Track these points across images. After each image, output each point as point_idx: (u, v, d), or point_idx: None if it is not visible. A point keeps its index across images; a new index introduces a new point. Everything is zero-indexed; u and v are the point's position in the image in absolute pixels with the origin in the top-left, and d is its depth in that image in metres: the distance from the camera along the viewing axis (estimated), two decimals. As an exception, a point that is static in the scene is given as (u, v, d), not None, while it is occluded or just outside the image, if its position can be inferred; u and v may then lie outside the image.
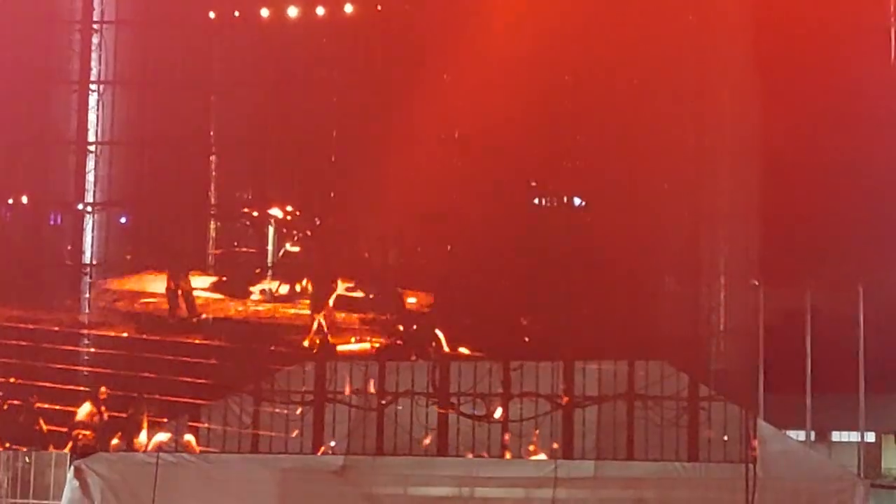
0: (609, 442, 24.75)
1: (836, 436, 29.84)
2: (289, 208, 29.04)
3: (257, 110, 28.01)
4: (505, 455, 25.29)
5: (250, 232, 29.28)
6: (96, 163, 27.96)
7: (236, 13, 28.45)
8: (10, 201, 29.30)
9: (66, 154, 28.34)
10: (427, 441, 25.24)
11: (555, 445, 25.19)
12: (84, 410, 26.41)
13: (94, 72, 28.10)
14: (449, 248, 28.43)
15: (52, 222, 29.65)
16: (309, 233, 28.86)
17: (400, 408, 25.46)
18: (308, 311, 27.80)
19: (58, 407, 26.79)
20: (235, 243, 29.77)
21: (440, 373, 25.70)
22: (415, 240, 28.59)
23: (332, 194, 28.16)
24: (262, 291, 28.83)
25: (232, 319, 28.32)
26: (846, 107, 25.25)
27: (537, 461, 24.82)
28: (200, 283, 28.96)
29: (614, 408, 24.87)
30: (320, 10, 28.18)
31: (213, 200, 28.87)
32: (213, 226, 29.09)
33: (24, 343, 27.74)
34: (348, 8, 28.09)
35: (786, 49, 25.28)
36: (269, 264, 28.92)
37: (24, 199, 29.18)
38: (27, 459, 25.49)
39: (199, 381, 26.54)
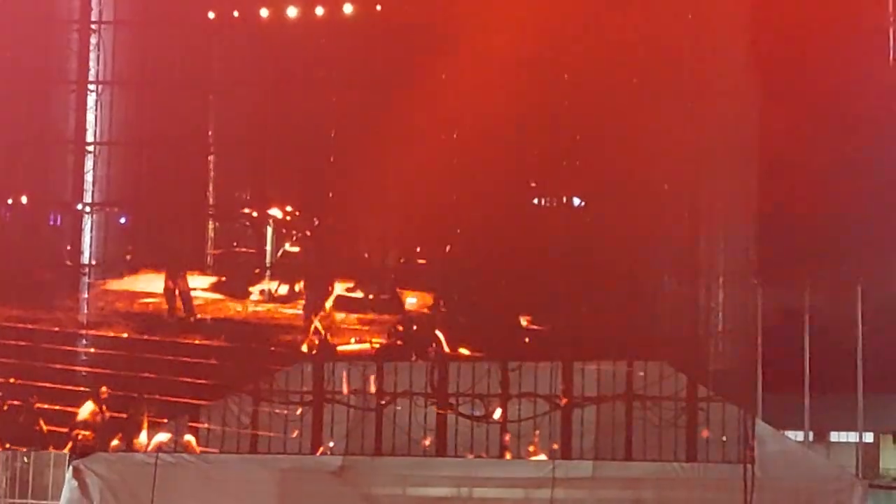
0: (607, 442, 24.73)
1: (835, 436, 29.76)
2: (288, 208, 29.05)
3: (256, 110, 28.00)
4: (503, 455, 25.27)
5: (249, 232, 29.31)
6: (95, 163, 27.99)
7: (235, 13, 28.44)
8: (10, 201, 29.32)
9: (65, 154, 28.37)
10: (425, 441, 25.21)
11: (554, 446, 25.17)
12: (84, 411, 26.38)
13: (92, 72, 28.11)
14: (448, 248, 28.45)
15: (51, 223, 29.66)
16: (308, 233, 28.87)
17: (399, 408, 25.43)
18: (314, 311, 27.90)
19: (57, 407, 26.76)
20: (235, 243, 29.79)
21: (439, 373, 25.66)
22: (414, 240, 28.61)
23: (330, 194, 28.18)
24: (262, 292, 28.83)
25: (231, 320, 28.32)
26: (845, 107, 25.23)
27: (536, 461, 24.81)
28: (200, 283, 28.97)
29: (613, 408, 24.86)
30: (319, 10, 28.16)
31: (211, 200, 28.88)
32: (211, 226, 29.11)
33: (23, 343, 27.74)
34: (347, 8, 28.07)
35: (785, 50, 25.26)
36: (268, 265, 28.93)
37: (24, 200, 29.19)
38: (25, 459, 25.46)
39: (199, 381, 26.52)
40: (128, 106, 28.04)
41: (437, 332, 27.03)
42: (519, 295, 27.34)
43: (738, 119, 25.59)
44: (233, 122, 28.45)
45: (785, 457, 23.97)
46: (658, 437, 24.47)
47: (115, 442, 26.08)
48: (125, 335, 27.97)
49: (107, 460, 25.22)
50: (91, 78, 28.10)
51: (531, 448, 25.25)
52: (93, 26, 28.14)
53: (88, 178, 28.09)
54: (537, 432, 25.22)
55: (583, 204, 28.07)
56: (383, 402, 25.62)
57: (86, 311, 28.22)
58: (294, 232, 29.09)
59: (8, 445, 26.22)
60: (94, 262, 28.50)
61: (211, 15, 28.38)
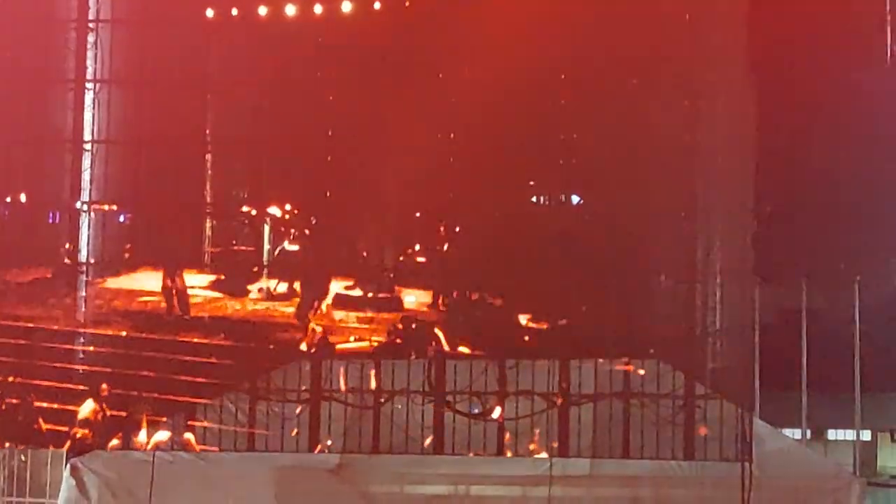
0: (605, 440, 24.71)
1: (832, 434, 29.79)
2: (287, 207, 29.09)
3: (254, 109, 28.01)
4: (501, 453, 25.26)
5: (247, 230, 29.35)
6: (93, 161, 27.99)
7: (234, 11, 28.44)
8: (9, 199, 29.35)
9: (63, 153, 28.37)
10: (423, 439, 25.21)
11: (553, 444, 25.16)
12: (85, 409, 26.38)
13: (90, 70, 28.04)
14: (446, 247, 28.48)
15: (50, 221, 29.69)
16: (307, 231, 28.91)
17: (397, 406, 25.43)
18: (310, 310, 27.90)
19: (56, 406, 26.78)
20: (234, 242, 29.83)
21: (436, 371, 25.66)
22: (412, 238, 28.64)
23: (328, 193, 28.22)
24: (260, 290, 28.86)
25: (230, 318, 28.33)
26: (842, 105, 25.26)
27: (533, 459, 24.78)
28: (198, 281, 29.00)
29: (610, 406, 24.83)
30: (318, 9, 28.16)
31: (209, 199, 28.90)
32: (209, 224, 29.14)
33: (22, 342, 27.76)
34: (346, 6, 28.08)
35: (781, 47, 25.30)
36: (266, 263, 28.96)
37: (23, 198, 29.22)
38: (23, 458, 25.46)
39: (198, 379, 26.53)
40: (126, 104, 27.99)
41: (437, 331, 27.05)
42: (518, 293, 27.36)
43: (735, 117, 25.61)
44: (231, 120, 28.46)
45: (783, 455, 23.92)
46: (656, 435, 24.42)
47: (114, 441, 26.05)
48: (124, 333, 27.97)
49: (104, 458, 25.20)
50: (89, 76, 28.03)
51: (529, 446, 25.24)
52: (90, 25, 28.04)
53: (86, 176, 28.10)
54: (535, 430, 25.20)
55: (581, 202, 28.10)
56: (382, 401, 25.60)
57: (84, 309, 28.21)
58: (292, 230, 29.13)
59: (7, 444, 26.24)
60: (92, 261, 28.49)
61: (209, 13, 28.37)
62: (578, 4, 26.19)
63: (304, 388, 25.63)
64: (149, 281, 28.78)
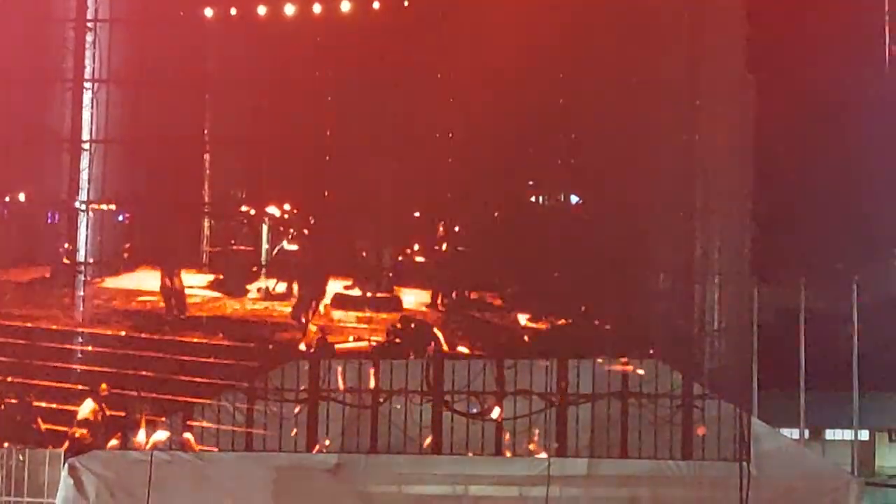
0: (603, 440, 24.68)
1: (830, 434, 29.86)
2: (286, 206, 29.10)
3: (253, 108, 28.00)
4: (499, 453, 25.24)
5: (245, 230, 29.36)
6: (91, 161, 27.99)
7: (233, 11, 28.43)
8: (7, 199, 29.36)
9: (61, 152, 28.37)
10: (421, 439, 25.19)
11: (552, 444, 25.14)
12: (85, 409, 26.37)
13: (88, 69, 28.05)
14: (445, 246, 28.50)
15: (49, 220, 29.69)
16: (306, 231, 28.91)
17: (397, 406, 25.40)
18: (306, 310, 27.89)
19: (55, 405, 26.77)
20: (232, 241, 29.84)
21: (435, 371, 25.64)
22: (411, 238, 28.64)
23: (326, 193, 28.22)
24: (259, 290, 28.87)
25: (229, 318, 28.34)
26: (840, 106, 25.28)
27: (531, 459, 24.75)
28: (198, 281, 29.01)
29: (608, 406, 24.80)
30: (317, 8, 28.16)
31: (208, 199, 28.90)
32: (207, 224, 29.15)
33: (20, 341, 27.75)
34: (345, 6, 28.08)
35: (779, 49, 25.31)
36: (265, 262, 28.97)
37: (22, 197, 29.22)
38: (21, 457, 25.43)
39: (197, 379, 26.52)
40: (124, 104, 27.98)
41: (436, 331, 27.04)
42: (517, 292, 27.38)
43: (734, 118, 25.60)
44: (229, 120, 28.47)
45: (780, 455, 23.88)
46: (654, 435, 24.38)
47: (113, 441, 26.05)
48: (123, 333, 27.97)
49: (102, 458, 25.14)
50: (87, 76, 28.03)
51: (526, 446, 25.21)
52: (89, 24, 28.06)
53: (85, 176, 28.09)
54: (533, 430, 25.17)
55: (580, 202, 28.10)
56: (380, 401, 25.57)
57: (82, 308, 28.21)
58: (291, 230, 29.13)
59: (6, 444, 26.22)
60: (91, 260, 28.49)
61: (208, 13, 28.37)
62: (577, 4, 26.19)
63: (302, 387, 25.59)
64: (148, 280, 28.80)
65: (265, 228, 29.15)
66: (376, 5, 28.16)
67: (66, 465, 24.91)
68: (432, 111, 26.72)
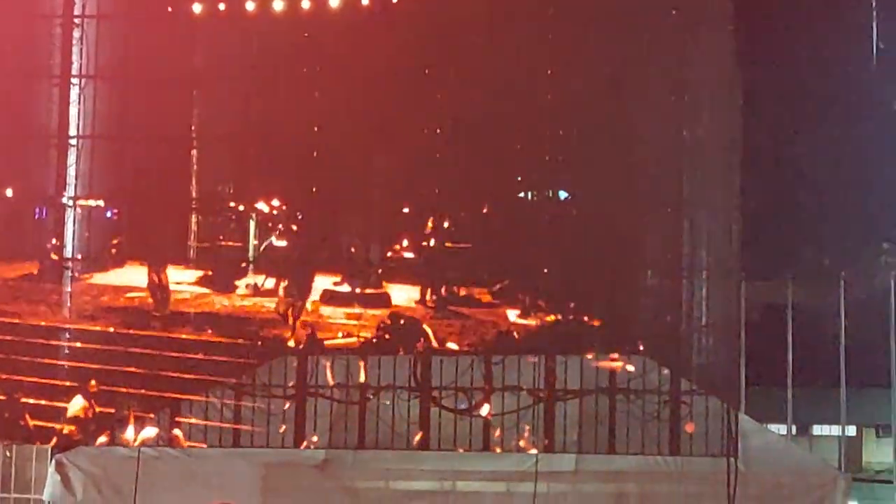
0: (591, 436, 24.71)
1: (818, 429, 29.90)
2: (274, 202, 29.07)
3: (240, 104, 27.98)
4: (487, 449, 25.25)
5: (233, 226, 29.32)
6: (78, 157, 27.94)
7: (221, 6, 28.38)
8: (-5, 195, 29.35)
9: (48, 148, 28.31)
10: (409, 435, 25.19)
11: (541, 440, 25.16)
12: (75, 405, 26.33)
13: (75, 66, 27.96)
14: (433, 242, 28.49)
15: (36, 216, 29.62)
16: (294, 227, 28.88)
17: (385, 402, 25.40)
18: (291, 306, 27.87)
19: (43, 402, 26.72)
20: (220, 237, 29.79)
21: (422, 367, 25.65)
22: (399, 234, 28.63)
23: (314, 189, 28.19)
24: (248, 286, 28.84)
25: (217, 314, 28.30)
26: (828, 102, 25.31)
27: (519, 455, 24.76)
28: (186, 277, 28.96)
29: (596, 402, 24.84)
30: (306, 4, 28.12)
31: (195, 194, 28.86)
32: (195, 220, 29.10)
33: (7, 337, 27.69)
34: (334, 2, 28.04)
35: (767, 44, 25.33)
36: (252, 258, 28.93)
37: (9, 193, 29.15)
38: (7, 454, 25.39)
39: (186, 375, 26.49)
40: (111, 100, 27.92)
41: (425, 327, 27.05)
42: (505, 288, 27.40)
43: (719, 113, 25.63)
44: (217, 116, 28.42)
45: (768, 450, 23.93)
46: (641, 431, 24.43)
47: (102, 438, 26.01)
48: (111, 329, 27.92)
49: (90, 454, 25.12)
50: (74, 72, 27.94)
51: (514, 442, 25.22)
52: (76, 20, 27.98)
53: (72, 171, 28.04)
54: (521, 426, 25.19)
55: (568, 198, 28.10)
56: (368, 396, 25.57)
57: (70, 304, 28.16)
58: (279, 226, 29.10)
59: (-5, 441, 26.22)
60: (79, 256, 28.44)
61: (196, 8, 28.31)
62: (565, 1, 26.20)
63: (289, 383, 25.59)
64: (136, 277, 28.74)
65: (253, 224, 29.11)
66: (364, 1, 28.10)
67: (54, 461, 24.89)
68: (420, 107, 26.68)
